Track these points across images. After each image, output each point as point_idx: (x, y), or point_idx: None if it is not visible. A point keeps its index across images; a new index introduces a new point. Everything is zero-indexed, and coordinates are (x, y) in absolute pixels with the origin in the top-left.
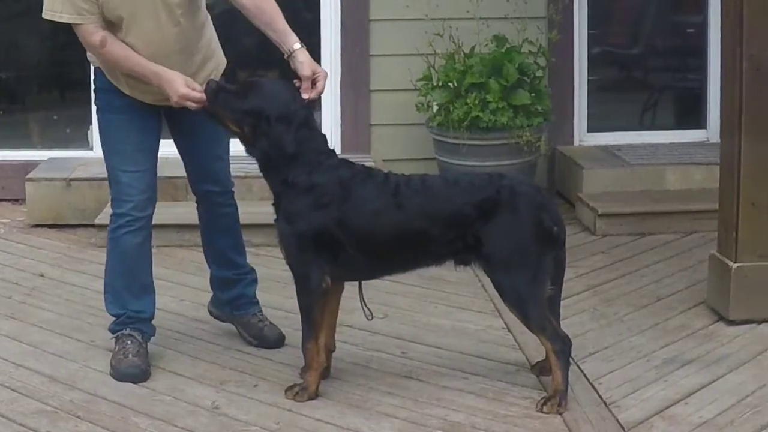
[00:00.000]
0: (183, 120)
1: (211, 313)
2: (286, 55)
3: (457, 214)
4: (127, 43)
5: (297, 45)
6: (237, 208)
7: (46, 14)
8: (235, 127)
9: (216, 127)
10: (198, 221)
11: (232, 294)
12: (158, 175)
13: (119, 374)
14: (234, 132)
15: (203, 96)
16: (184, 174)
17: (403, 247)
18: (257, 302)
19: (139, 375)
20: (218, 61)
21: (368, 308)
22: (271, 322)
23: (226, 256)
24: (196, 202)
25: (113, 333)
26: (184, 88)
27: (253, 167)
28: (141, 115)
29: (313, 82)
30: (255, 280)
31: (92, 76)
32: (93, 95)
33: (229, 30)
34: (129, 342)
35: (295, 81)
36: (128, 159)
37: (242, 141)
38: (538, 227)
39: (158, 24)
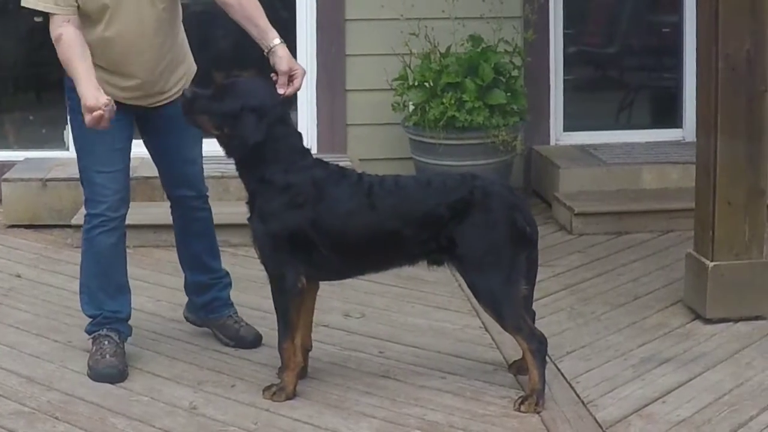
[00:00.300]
0: (155, 123)
1: (187, 319)
2: (265, 51)
3: (430, 215)
4: (105, 36)
5: (277, 41)
6: (211, 212)
7: (25, 2)
8: (215, 130)
9: (188, 131)
10: (173, 223)
11: (207, 298)
12: (134, 175)
13: (97, 375)
14: (215, 135)
15: (102, 120)
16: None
17: (377, 247)
18: (232, 304)
19: (116, 375)
20: (189, 67)
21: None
22: (246, 323)
23: (201, 260)
24: (171, 207)
25: (90, 334)
26: (88, 114)
27: (229, 167)
28: (114, 115)
29: (291, 79)
30: (229, 284)
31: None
32: (66, 95)
33: (206, 31)
34: (106, 342)
35: (272, 75)
36: (102, 159)
37: (221, 143)
38: (512, 227)
39: (140, 16)
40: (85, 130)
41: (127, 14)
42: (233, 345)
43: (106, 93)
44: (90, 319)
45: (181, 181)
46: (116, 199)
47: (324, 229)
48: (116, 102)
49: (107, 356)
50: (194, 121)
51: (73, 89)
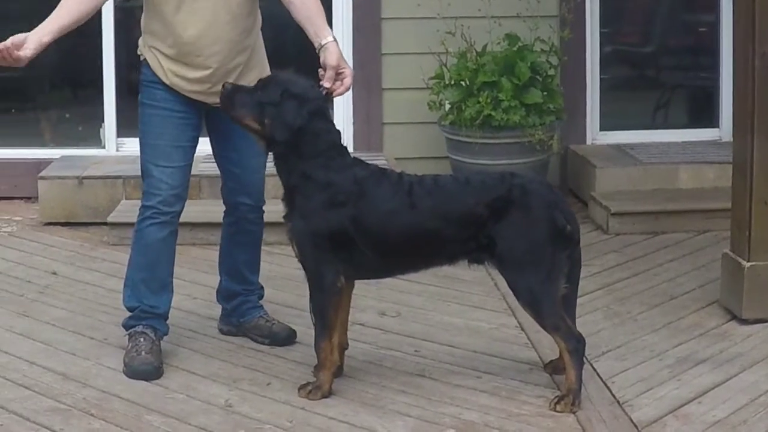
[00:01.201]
0: (224, 126)
1: (221, 331)
2: (317, 48)
3: (470, 214)
4: (175, 20)
5: (330, 38)
6: (263, 227)
7: None
8: (255, 123)
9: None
10: (221, 228)
11: (236, 302)
12: None
13: (132, 372)
14: (254, 130)
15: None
16: (198, 172)
17: (417, 246)
18: (261, 306)
19: (152, 372)
20: (262, 74)
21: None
22: (279, 321)
23: (240, 271)
24: (225, 213)
25: (127, 329)
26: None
27: (268, 166)
28: (181, 112)
29: (338, 76)
30: (261, 296)
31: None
32: (139, 87)
33: None
34: (142, 339)
35: (319, 71)
36: (161, 154)
37: (262, 137)
38: (551, 225)
39: (213, 3)
40: (150, 124)
41: (203, 1)
42: (268, 343)
43: (174, 85)
44: (128, 313)
45: (241, 188)
46: (171, 194)
47: (365, 228)
48: (184, 98)
49: (143, 353)
50: (235, 115)
51: (146, 82)
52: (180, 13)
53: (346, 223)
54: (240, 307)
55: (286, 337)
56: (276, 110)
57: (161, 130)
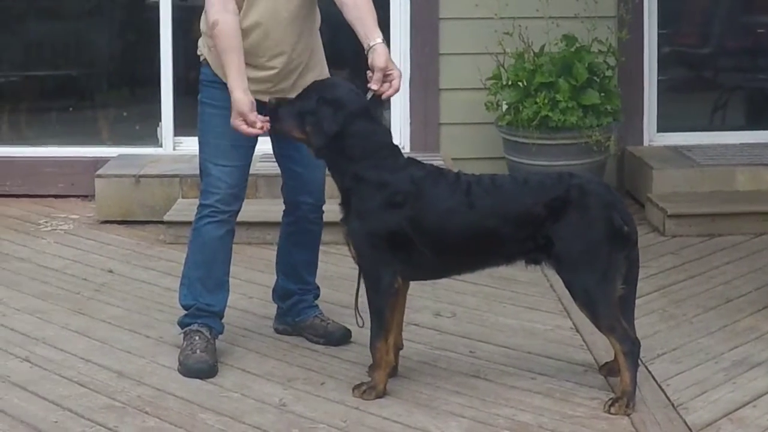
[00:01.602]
0: None
1: (276, 331)
2: (366, 50)
3: (528, 214)
4: (243, 27)
5: (379, 39)
6: (322, 227)
7: None
8: (299, 133)
9: None
10: (280, 228)
11: (291, 301)
12: None
13: (187, 370)
14: (300, 140)
15: (252, 130)
16: (255, 171)
17: (475, 246)
18: (317, 306)
19: (206, 371)
20: (321, 74)
21: (361, 316)
22: (334, 320)
23: (297, 271)
24: (285, 212)
25: (182, 327)
26: (237, 118)
27: None
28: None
29: (386, 78)
30: (317, 296)
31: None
32: (199, 87)
33: None
34: (197, 338)
35: (367, 72)
36: (221, 153)
37: (308, 145)
38: (608, 226)
39: (275, 5)
40: (210, 123)
41: (264, 3)
42: (323, 342)
43: (218, 72)
44: (184, 311)
45: (303, 186)
46: (229, 193)
47: (424, 228)
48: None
49: (198, 351)
50: (281, 128)
51: (207, 82)
52: (247, 19)
53: (403, 223)
54: (295, 306)
55: (340, 337)
56: (313, 117)
57: (221, 130)
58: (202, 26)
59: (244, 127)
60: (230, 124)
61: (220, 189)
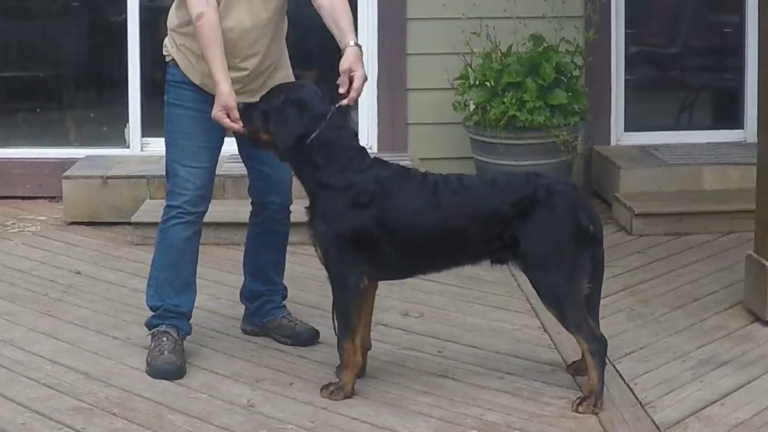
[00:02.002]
0: None
1: (244, 331)
2: (342, 52)
3: (495, 213)
4: (222, 27)
5: (351, 42)
6: (289, 228)
7: None
8: (265, 134)
9: None
10: (247, 229)
11: (259, 302)
12: None
13: (155, 371)
14: (265, 141)
15: (234, 125)
16: (223, 172)
17: (442, 245)
18: (285, 306)
19: (174, 372)
20: (287, 74)
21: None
22: (302, 321)
23: (265, 271)
24: (252, 213)
25: (150, 328)
26: (221, 111)
27: None
28: (208, 112)
29: (350, 79)
30: (285, 297)
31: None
32: (165, 87)
33: None
34: (165, 339)
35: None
36: (189, 154)
37: (273, 148)
38: (575, 226)
39: (251, 7)
40: (178, 124)
41: (241, 4)
42: (291, 343)
43: (204, 86)
44: (151, 312)
45: (270, 187)
46: (197, 194)
47: (390, 228)
48: (213, 98)
49: (166, 352)
50: (250, 130)
51: (175, 83)
52: (226, 19)
53: (369, 223)
54: (263, 307)
55: (308, 338)
56: (278, 118)
57: (189, 131)
58: (171, 23)
59: (226, 120)
60: (201, 123)
61: (188, 190)
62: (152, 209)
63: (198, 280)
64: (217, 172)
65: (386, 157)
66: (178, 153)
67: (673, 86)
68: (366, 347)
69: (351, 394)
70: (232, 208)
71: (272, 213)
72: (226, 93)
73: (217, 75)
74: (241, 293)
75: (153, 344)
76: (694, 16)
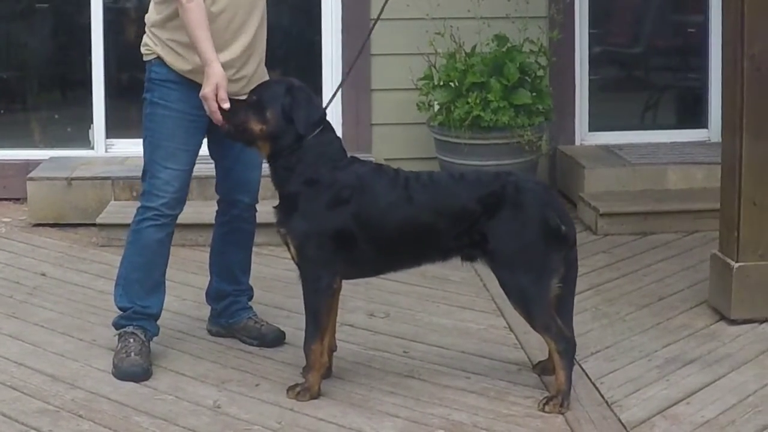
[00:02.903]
0: None
1: (210, 332)
2: None
3: (463, 209)
4: (211, 11)
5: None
6: (255, 226)
7: None
8: (258, 124)
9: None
10: (213, 228)
11: (226, 303)
12: None
13: (121, 373)
14: (253, 137)
15: (217, 111)
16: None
17: (412, 240)
18: (251, 307)
19: (140, 374)
20: (264, 74)
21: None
22: (268, 323)
23: (232, 271)
24: (219, 212)
25: (117, 328)
26: (212, 91)
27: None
28: (193, 115)
29: None
30: (251, 297)
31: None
32: (147, 86)
33: None
34: (132, 340)
35: None
36: (171, 156)
37: (265, 138)
38: (544, 225)
39: None
40: (162, 125)
41: None
42: (257, 344)
43: (194, 78)
44: (120, 312)
45: (239, 185)
46: (175, 197)
47: (366, 223)
48: (197, 100)
49: (132, 354)
50: (237, 125)
51: (160, 81)
52: (216, 5)
53: (349, 219)
54: (229, 307)
55: (274, 339)
56: (294, 104)
57: (173, 132)
58: (153, 21)
59: (214, 103)
60: (183, 125)
61: (167, 193)
62: (117, 210)
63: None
64: None
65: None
66: (161, 154)
67: (637, 86)
68: (331, 348)
69: (317, 395)
70: (198, 209)
71: (240, 211)
72: (217, 71)
73: (208, 54)
74: (207, 294)
75: (120, 345)
76: (657, 16)
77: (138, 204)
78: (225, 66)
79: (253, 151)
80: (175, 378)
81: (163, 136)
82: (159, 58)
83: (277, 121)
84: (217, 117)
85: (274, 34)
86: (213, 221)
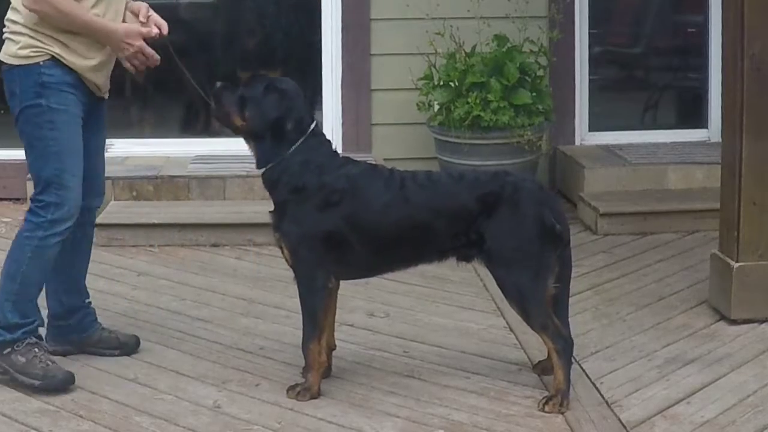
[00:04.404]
0: (95, 120)
1: (55, 353)
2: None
3: (460, 208)
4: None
5: None
6: None
7: None
8: (239, 119)
9: (104, 133)
10: (53, 242)
11: (78, 316)
12: (159, 174)
13: (55, 383)
14: (240, 127)
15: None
16: (188, 173)
17: (409, 241)
18: (96, 317)
19: (72, 378)
20: None
21: None
22: (118, 330)
23: (79, 282)
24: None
25: (12, 343)
26: (136, 39)
27: (253, 166)
28: (81, 117)
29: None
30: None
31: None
32: (37, 91)
33: (232, 30)
34: (37, 350)
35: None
36: (77, 164)
37: (245, 134)
38: (540, 224)
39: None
40: (66, 132)
41: None
42: (119, 353)
43: (91, 77)
44: (20, 328)
45: (96, 187)
46: (79, 204)
47: (359, 225)
48: (82, 101)
49: (49, 363)
50: (222, 110)
51: (57, 86)
52: (97, 7)
53: (340, 221)
54: (83, 321)
55: (134, 345)
56: (257, 103)
57: (76, 139)
58: (33, 23)
59: (141, 42)
60: (80, 131)
61: (76, 203)
62: (117, 210)
63: (163, 281)
64: (182, 173)
65: (348, 156)
66: (68, 163)
67: (637, 86)
68: (331, 347)
69: (317, 395)
70: (198, 209)
71: (90, 217)
72: (125, 26)
73: (103, 25)
74: (53, 314)
75: (26, 359)
76: (658, 16)
77: (37, 215)
78: (98, 66)
79: (102, 148)
80: (175, 378)
81: (69, 143)
82: (53, 58)
83: (258, 121)
84: (155, 56)
85: (274, 34)
86: (212, 221)
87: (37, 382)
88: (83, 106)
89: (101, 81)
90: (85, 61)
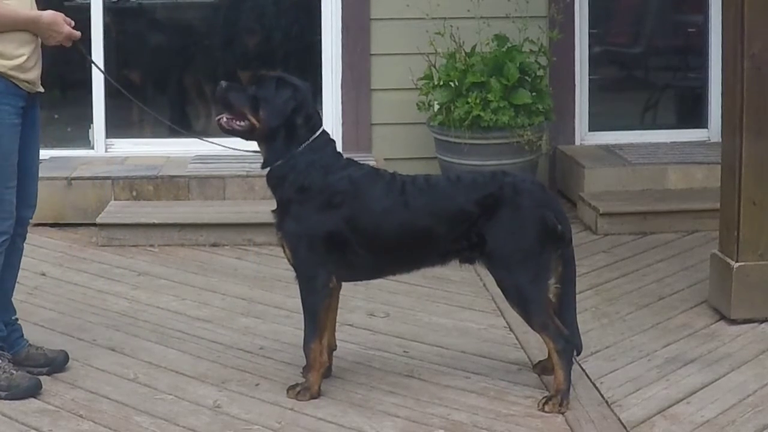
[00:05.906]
0: (33, 117)
1: None
2: None
3: (461, 211)
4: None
5: None
6: None
7: None
8: (250, 114)
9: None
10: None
11: (6, 332)
12: (159, 174)
13: (22, 391)
14: (244, 127)
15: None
16: (187, 173)
17: (410, 245)
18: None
19: (39, 385)
20: None
21: None
22: (45, 347)
23: (7, 296)
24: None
25: None
26: (63, 26)
27: (255, 166)
28: (16, 121)
29: None
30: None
31: None
32: None
33: (232, 30)
34: (1, 360)
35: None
36: (11, 176)
37: (253, 134)
38: (541, 225)
39: None
40: (7, 142)
41: None
42: (48, 371)
43: (31, 81)
44: None
45: (31, 198)
46: (13, 218)
47: (360, 228)
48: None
49: (14, 372)
50: (228, 106)
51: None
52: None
53: (341, 223)
54: (10, 336)
55: (63, 361)
56: (268, 100)
57: (11, 150)
58: None
59: (68, 28)
60: (17, 140)
61: (12, 213)
62: (117, 210)
63: (163, 281)
64: (181, 173)
65: (351, 157)
66: (4, 176)
67: (637, 86)
68: (331, 347)
69: (317, 395)
70: (197, 208)
71: (23, 230)
72: (49, 13)
73: (26, 14)
74: None
75: None
76: (657, 16)
77: None
78: (28, 61)
79: (36, 158)
80: (175, 378)
81: (3, 156)
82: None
83: (273, 119)
84: (75, 32)
85: (274, 34)
86: (213, 221)
87: (3, 393)
88: (20, 110)
89: (33, 76)
90: (12, 61)
